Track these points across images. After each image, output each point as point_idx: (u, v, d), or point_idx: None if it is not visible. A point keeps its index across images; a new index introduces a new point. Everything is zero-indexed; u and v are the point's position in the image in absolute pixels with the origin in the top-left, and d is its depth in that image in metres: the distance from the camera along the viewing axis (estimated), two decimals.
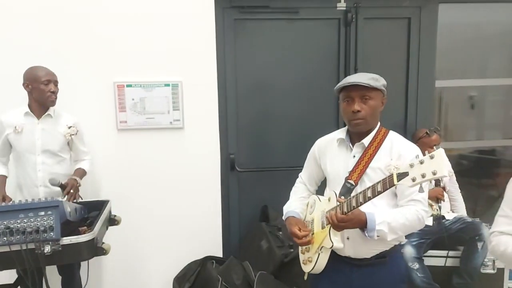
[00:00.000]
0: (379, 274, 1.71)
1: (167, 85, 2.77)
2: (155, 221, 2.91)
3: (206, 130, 2.90)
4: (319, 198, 1.82)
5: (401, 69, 3.25)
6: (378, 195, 1.50)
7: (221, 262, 2.76)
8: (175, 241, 2.93)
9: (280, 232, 2.87)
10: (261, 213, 3.17)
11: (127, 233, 2.79)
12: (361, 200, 1.52)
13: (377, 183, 1.50)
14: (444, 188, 2.97)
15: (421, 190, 1.49)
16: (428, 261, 2.83)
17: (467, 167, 3.70)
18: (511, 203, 1.39)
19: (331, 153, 1.81)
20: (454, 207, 3.12)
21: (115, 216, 2.31)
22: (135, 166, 2.84)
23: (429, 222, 2.84)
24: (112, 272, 2.90)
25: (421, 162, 1.36)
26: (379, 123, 1.76)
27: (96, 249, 1.89)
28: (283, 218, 1.90)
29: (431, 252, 2.83)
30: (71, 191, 2.28)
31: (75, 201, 2.27)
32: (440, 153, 1.34)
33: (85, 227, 2.04)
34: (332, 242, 1.64)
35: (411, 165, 1.38)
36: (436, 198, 2.86)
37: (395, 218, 1.60)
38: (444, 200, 2.88)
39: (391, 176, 1.45)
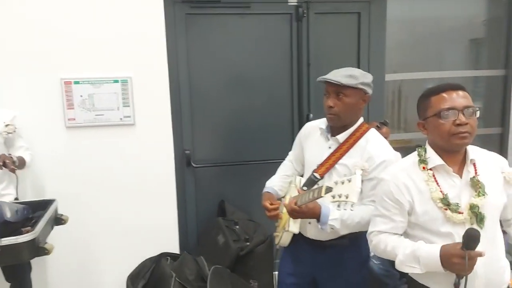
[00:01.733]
0: (340, 254, 1.79)
1: (116, 81, 2.72)
2: (107, 220, 2.85)
3: (158, 126, 2.86)
4: (300, 179, 1.90)
5: (352, 63, 3.30)
6: (313, 200, 1.57)
7: (176, 258, 2.75)
8: (129, 240, 2.89)
9: (237, 226, 2.89)
10: (218, 208, 3.18)
11: (78, 233, 2.73)
12: (315, 195, 1.56)
13: (313, 190, 1.57)
14: None
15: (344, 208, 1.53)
16: None
17: None
18: (384, 203, 1.45)
19: (312, 140, 1.88)
20: None
21: (62, 215, 2.25)
22: (85, 164, 2.77)
23: None
24: (62, 273, 2.83)
25: (342, 183, 1.46)
26: (361, 120, 1.80)
27: (37, 249, 1.84)
28: (262, 191, 1.99)
29: None
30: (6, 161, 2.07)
31: (17, 201, 2.20)
32: (355, 179, 1.43)
33: (29, 227, 1.98)
34: (289, 225, 1.75)
35: (336, 183, 1.48)
36: None
37: (351, 216, 1.65)
38: None
39: (321, 187, 1.51)
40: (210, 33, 3.06)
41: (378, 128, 3.10)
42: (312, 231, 1.78)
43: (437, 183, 1.39)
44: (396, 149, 3.29)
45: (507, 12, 3.52)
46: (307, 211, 1.63)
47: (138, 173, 2.86)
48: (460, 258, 1.26)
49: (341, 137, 1.75)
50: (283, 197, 1.96)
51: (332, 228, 1.65)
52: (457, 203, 1.36)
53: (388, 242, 1.47)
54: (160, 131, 2.87)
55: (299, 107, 3.27)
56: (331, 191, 1.48)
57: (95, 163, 2.79)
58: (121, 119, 2.76)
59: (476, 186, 1.38)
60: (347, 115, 1.72)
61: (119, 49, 2.73)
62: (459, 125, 1.33)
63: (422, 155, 1.44)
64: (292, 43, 3.18)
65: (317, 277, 1.86)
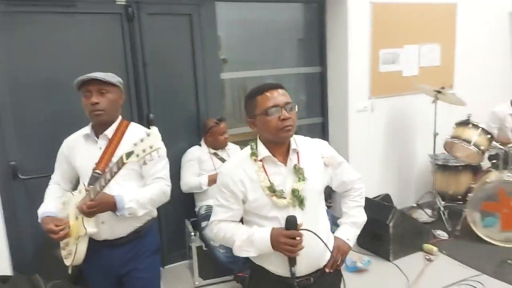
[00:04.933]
0: (136, 248, 1.91)
1: None
2: None
3: None
4: (72, 194, 1.89)
5: (188, 63, 3.43)
6: (115, 175, 1.68)
7: (6, 280, 2.49)
8: None
9: None
10: None
11: None
12: (103, 183, 1.68)
13: (113, 164, 1.69)
14: None
15: (144, 163, 1.73)
16: None
17: None
18: (222, 194, 1.61)
19: (79, 150, 1.91)
20: None
21: None
22: None
23: None
24: None
25: (142, 140, 1.61)
26: (120, 117, 1.93)
27: None
28: (39, 221, 1.90)
29: None
30: None
31: None
32: (154, 131, 1.61)
33: None
34: (86, 228, 1.75)
35: (135, 144, 1.62)
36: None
37: (143, 195, 1.80)
38: None
39: (120, 158, 1.65)
40: (32, 33, 2.83)
41: (216, 124, 3.30)
42: (107, 230, 1.83)
43: (266, 173, 1.56)
44: (242, 142, 3.56)
45: (318, 16, 4.05)
46: (102, 201, 1.71)
47: None
48: (285, 237, 1.46)
49: (109, 132, 1.87)
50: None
51: (130, 214, 1.76)
52: (282, 190, 1.53)
53: (227, 230, 1.61)
54: None
55: (139, 108, 3.26)
56: (132, 153, 1.63)
57: None
58: None
59: (298, 172, 1.56)
60: (112, 110, 1.86)
61: None
62: (283, 120, 1.50)
63: (253, 148, 1.60)
64: (125, 44, 3.14)
65: (119, 275, 1.93)
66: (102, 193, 1.72)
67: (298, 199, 1.54)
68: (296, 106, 1.57)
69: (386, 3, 3.95)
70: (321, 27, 4.06)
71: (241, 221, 1.67)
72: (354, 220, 1.76)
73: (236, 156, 1.70)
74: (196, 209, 3.33)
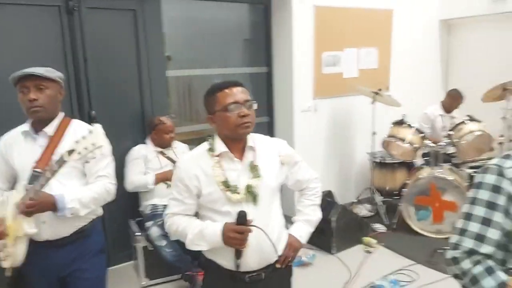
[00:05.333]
0: (80, 248, 1.85)
1: None
2: None
3: None
4: (10, 193, 1.80)
5: (132, 60, 3.35)
6: (56, 173, 1.63)
7: None
8: None
9: None
10: None
11: None
12: (43, 182, 1.63)
13: (54, 162, 1.63)
14: None
15: (86, 161, 1.69)
16: None
17: None
18: (177, 188, 1.62)
19: (18, 147, 1.82)
20: None
21: None
22: None
23: None
24: None
25: (84, 138, 1.58)
26: (62, 113, 1.87)
27: None
28: None
29: None
30: None
31: None
32: (96, 128, 1.59)
33: None
34: (24, 229, 1.67)
35: (77, 141, 1.58)
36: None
37: (85, 194, 1.76)
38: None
39: (63, 154, 1.60)
40: None
41: (162, 122, 3.24)
42: (48, 230, 1.76)
43: (222, 168, 1.58)
44: (188, 140, 3.53)
45: (264, 17, 4.13)
46: (42, 201, 1.64)
47: None
48: (233, 232, 1.48)
49: (50, 129, 1.80)
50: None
51: (72, 214, 1.70)
52: (236, 185, 1.55)
53: (180, 224, 1.61)
54: None
55: (80, 104, 3.13)
56: (73, 151, 1.58)
57: None
58: None
59: (253, 169, 1.59)
60: (51, 107, 1.79)
61: None
62: (243, 116, 1.52)
63: (211, 144, 1.61)
64: (65, 38, 3.01)
65: (63, 276, 1.87)
66: (42, 192, 1.65)
67: (252, 195, 1.57)
68: (255, 104, 1.60)
69: (328, 7, 4.11)
70: (267, 28, 4.14)
71: (196, 215, 1.68)
72: (307, 218, 1.81)
73: (193, 151, 1.70)
74: (141, 209, 3.26)
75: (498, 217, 1.17)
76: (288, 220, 1.78)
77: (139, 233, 3.10)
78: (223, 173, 1.57)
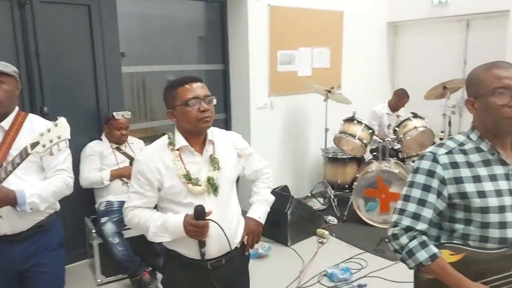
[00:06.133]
0: (38, 242, 1.84)
1: None
2: None
3: None
4: None
5: (87, 55, 3.31)
6: (17, 166, 1.63)
7: None
8: None
9: None
10: None
11: None
12: (3, 175, 1.61)
13: (16, 156, 1.63)
14: None
15: (51, 154, 1.66)
16: (128, 233, 3.09)
17: None
18: (138, 181, 1.66)
19: None
20: None
21: None
22: None
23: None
24: None
25: (49, 130, 1.59)
26: (17, 108, 1.85)
27: None
28: None
29: None
30: None
31: None
32: (62, 121, 1.60)
33: None
34: None
35: (41, 134, 1.59)
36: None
37: (45, 188, 1.75)
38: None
39: (26, 147, 1.61)
40: None
41: (114, 118, 3.21)
42: (6, 224, 1.75)
43: (182, 162, 1.63)
44: (142, 138, 3.53)
45: (220, 15, 4.19)
46: (3, 196, 1.63)
47: None
48: (193, 226, 1.55)
49: (6, 123, 1.80)
50: None
51: (31, 208, 1.70)
52: (197, 178, 1.61)
53: (141, 217, 1.65)
54: None
55: (31, 100, 3.06)
56: (38, 143, 1.59)
57: None
58: None
59: (213, 162, 1.66)
60: (8, 102, 1.78)
61: None
62: (203, 111, 1.57)
63: (171, 138, 1.66)
64: (16, 32, 2.94)
65: (20, 271, 1.86)
66: (2, 187, 1.63)
67: (213, 187, 1.64)
68: (215, 100, 1.67)
69: (282, 7, 4.23)
70: (223, 26, 4.20)
71: (155, 207, 1.73)
72: (264, 198, 1.91)
73: (153, 144, 1.74)
74: (96, 206, 3.24)
75: (432, 198, 1.33)
76: (244, 214, 1.87)
77: (95, 231, 3.08)
78: (184, 166, 1.63)
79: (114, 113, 3.20)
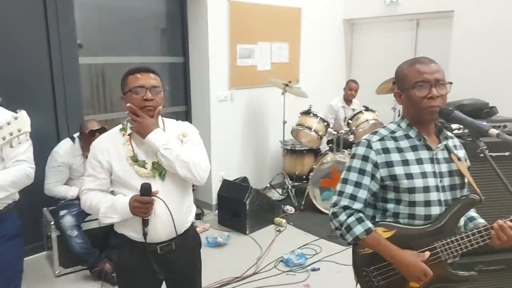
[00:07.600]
0: None
1: None
2: None
3: None
4: None
5: (43, 46, 3.27)
6: None
7: None
8: None
9: None
10: None
11: None
12: None
13: None
14: None
15: (11, 146, 1.68)
16: (87, 226, 3.10)
17: None
18: (91, 164, 1.72)
19: None
20: None
21: None
22: None
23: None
24: None
25: (8, 123, 1.60)
26: None
27: None
28: None
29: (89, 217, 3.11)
30: None
31: None
32: (22, 114, 1.61)
33: None
34: None
35: (0, 127, 1.60)
36: None
37: (4, 177, 1.78)
38: None
39: None
40: None
41: (92, 134, 3.12)
42: None
43: (132, 146, 1.71)
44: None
45: (180, 8, 4.22)
46: None
47: None
48: (138, 202, 1.62)
49: None
50: None
51: None
52: (144, 161, 1.70)
53: (94, 199, 1.72)
54: None
55: None
56: None
57: None
58: None
59: None
60: None
61: None
62: (146, 100, 1.65)
63: (124, 124, 1.75)
64: None
65: None
66: None
67: (158, 170, 1.71)
68: (162, 92, 1.74)
69: (241, 2, 4.32)
70: (183, 18, 4.24)
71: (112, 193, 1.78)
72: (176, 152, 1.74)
73: (109, 131, 1.81)
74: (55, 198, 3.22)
75: (366, 180, 1.49)
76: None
77: (53, 222, 3.06)
78: (133, 149, 1.71)
79: (93, 130, 3.00)
